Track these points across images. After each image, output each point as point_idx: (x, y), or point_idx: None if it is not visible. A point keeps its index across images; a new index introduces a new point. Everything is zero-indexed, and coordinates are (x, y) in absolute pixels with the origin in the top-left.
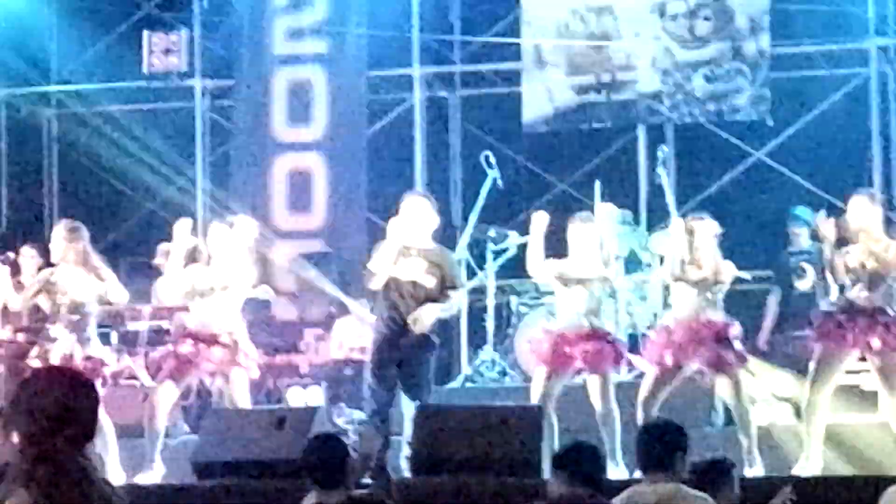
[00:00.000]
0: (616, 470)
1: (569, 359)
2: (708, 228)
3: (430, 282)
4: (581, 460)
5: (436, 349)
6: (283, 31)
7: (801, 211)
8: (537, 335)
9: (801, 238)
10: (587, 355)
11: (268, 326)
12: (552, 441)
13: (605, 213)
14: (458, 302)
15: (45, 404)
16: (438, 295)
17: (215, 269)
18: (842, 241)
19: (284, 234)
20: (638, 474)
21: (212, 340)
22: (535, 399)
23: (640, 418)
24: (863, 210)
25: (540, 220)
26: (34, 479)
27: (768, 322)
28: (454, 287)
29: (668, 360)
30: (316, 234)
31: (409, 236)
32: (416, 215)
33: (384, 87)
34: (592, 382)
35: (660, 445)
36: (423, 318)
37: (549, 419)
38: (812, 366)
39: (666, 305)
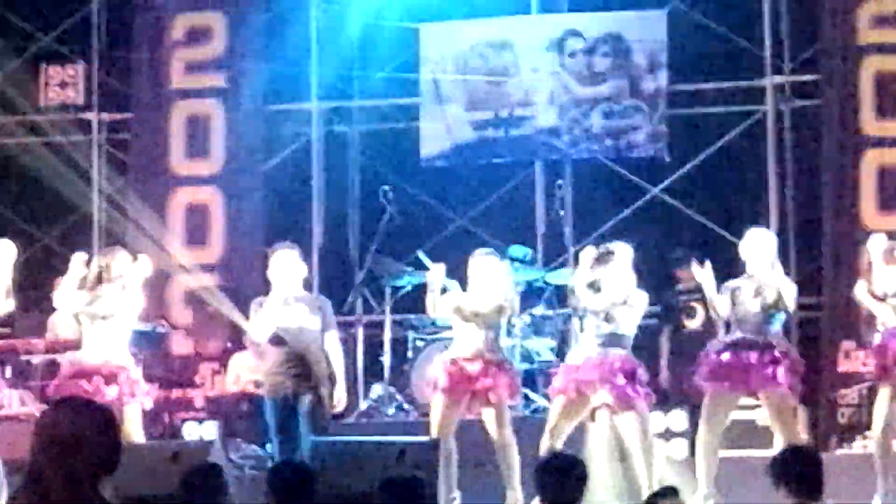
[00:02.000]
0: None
1: (466, 389)
2: (622, 255)
3: (316, 324)
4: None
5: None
6: (181, 64)
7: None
8: (436, 365)
9: (691, 276)
10: (483, 386)
11: (163, 360)
12: (452, 472)
13: (505, 251)
14: (339, 354)
15: (51, 437)
16: (322, 337)
17: (102, 298)
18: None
19: (181, 268)
20: None
21: (108, 378)
22: (434, 429)
23: (543, 448)
24: (756, 245)
25: (437, 272)
26: None
27: (664, 360)
28: (330, 329)
29: (573, 393)
30: (213, 267)
31: (284, 288)
32: (285, 267)
33: (282, 121)
34: (488, 414)
35: (560, 478)
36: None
37: (449, 449)
38: (704, 403)
39: (563, 341)
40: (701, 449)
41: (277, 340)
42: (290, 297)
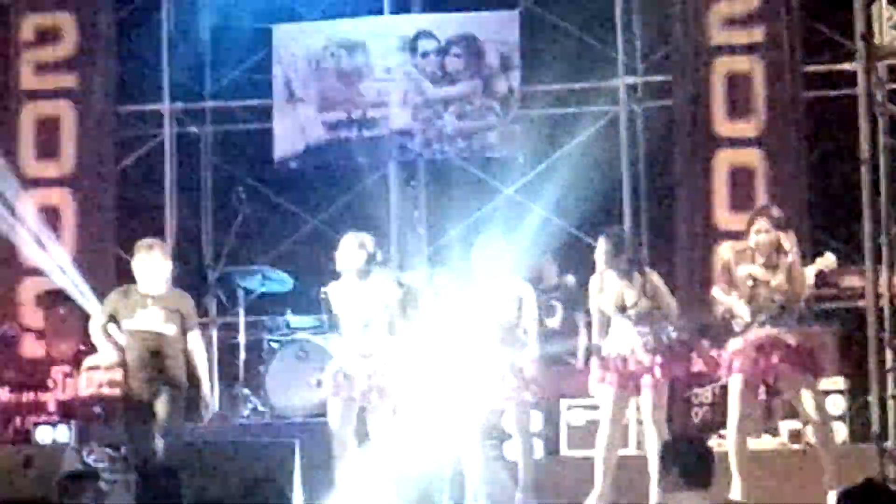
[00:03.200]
0: None
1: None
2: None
3: (172, 329)
4: None
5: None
6: (30, 65)
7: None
8: (328, 370)
9: (551, 275)
10: (377, 384)
11: (15, 363)
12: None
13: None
14: (202, 354)
15: None
16: (180, 340)
17: None
18: None
19: (32, 271)
20: None
21: None
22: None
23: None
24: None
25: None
26: None
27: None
28: (192, 330)
29: None
30: (64, 269)
31: (145, 285)
32: (148, 264)
33: (134, 122)
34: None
35: None
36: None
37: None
38: (605, 405)
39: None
40: (602, 448)
41: (132, 343)
42: (149, 297)
